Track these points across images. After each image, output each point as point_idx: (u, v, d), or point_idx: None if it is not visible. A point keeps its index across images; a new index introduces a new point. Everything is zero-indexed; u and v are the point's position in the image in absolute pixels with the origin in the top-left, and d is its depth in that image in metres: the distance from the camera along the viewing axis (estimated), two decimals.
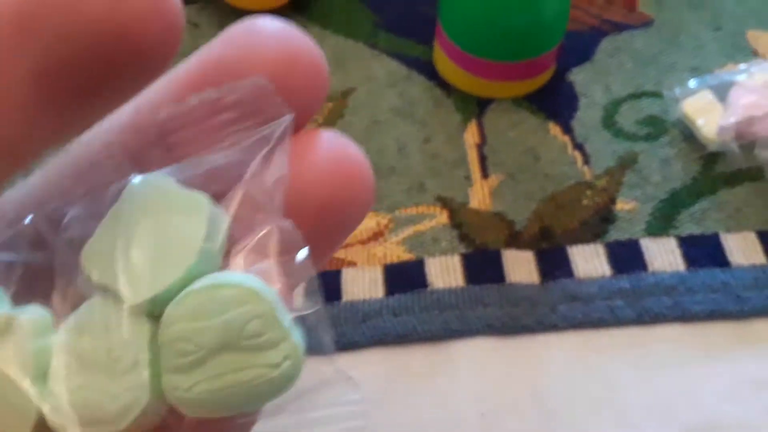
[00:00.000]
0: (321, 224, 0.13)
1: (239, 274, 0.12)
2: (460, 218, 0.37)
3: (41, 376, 0.12)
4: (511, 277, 0.35)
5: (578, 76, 0.43)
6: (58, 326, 0.12)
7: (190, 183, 0.13)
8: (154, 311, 0.12)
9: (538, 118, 0.41)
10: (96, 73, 0.11)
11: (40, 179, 0.13)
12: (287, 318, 0.12)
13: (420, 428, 0.31)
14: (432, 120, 0.41)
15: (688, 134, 0.39)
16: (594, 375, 0.32)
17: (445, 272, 0.35)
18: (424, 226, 0.37)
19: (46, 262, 0.13)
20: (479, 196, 0.38)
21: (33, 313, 0.12)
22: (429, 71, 0.43)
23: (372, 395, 0.32)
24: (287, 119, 0.13)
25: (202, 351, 0.12)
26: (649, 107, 0.41)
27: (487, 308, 0.34)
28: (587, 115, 0.41)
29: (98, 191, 0.13)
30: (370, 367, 0.32)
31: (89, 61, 0.11)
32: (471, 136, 0.40)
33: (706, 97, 0.39)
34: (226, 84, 0.13)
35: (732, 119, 0.37)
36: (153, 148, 0.13)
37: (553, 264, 0.35)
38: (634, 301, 0.33)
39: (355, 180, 0.13)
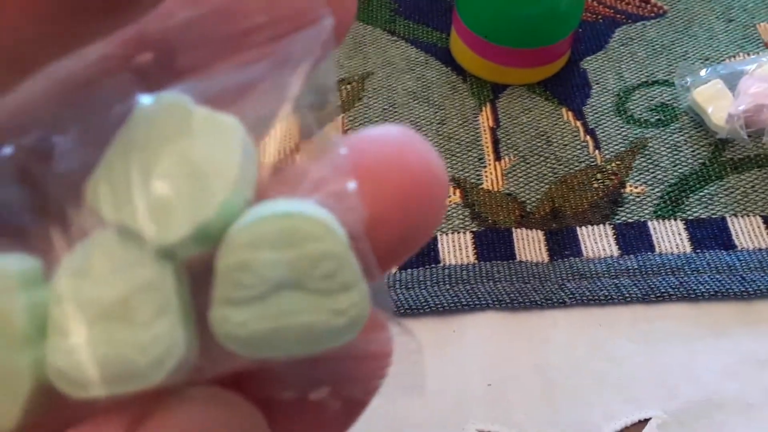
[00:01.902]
0: (390, 249, 0.11)
1: (314, 206, 0.10)
2: (472, 198, 0.38)
3: (35, 335, 0.10)
4: (521, 255, 0.36)
5: (591, 65, 0.43)
6: (48, 275, 0.10)
7: (210, 103, 0.11)
8: (178, 252, 0.10)
9: (551, 104, 0.42)
10: None
11: (18, 101, 0.10)
12: (357, 263, 0.10)
13: (428, 397, 0.32)
14: (447, 104, 0.42)
15: (698, 121, 0.40)
16: (599, 350, 0.33)
17: (456, 249, 0.36)
18: None
19: (29, 200, 0.11)
20: (492, 177, 0.39)
21: (17, 262, 0.10)
22: (445, 57, 0.44)
23: None
24: (327, 25, 0.11)
25: (264, 285, 0.10)
26: (660, 95, 0.42)
27: (497, 284, 0.35)
28: (599, 102, 0.41)
29: (95, 115, 0.11)
30: None
31: None
32: (485, 119, 0.41)
33: (717, 85, 0.40)
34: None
35: (741, 107, 0.38)
36: (163, 62, 0.11)
37: (563, 243, 0.36)
38: (641, 280, 0.34)
39: (434, 203, 0.11)
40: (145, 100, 0.11)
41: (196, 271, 0.11)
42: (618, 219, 0.37)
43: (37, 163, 0.11)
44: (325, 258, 0.10)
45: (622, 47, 0.44)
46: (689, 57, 0.43)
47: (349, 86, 0.43)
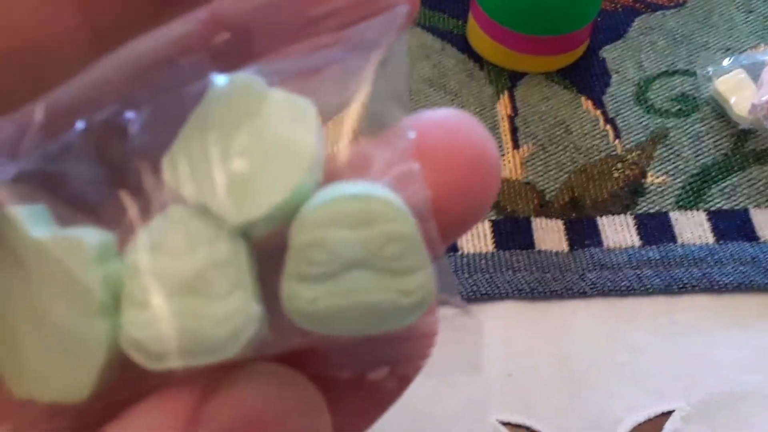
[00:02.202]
0: (450, 230, 0.11)
1: (383, 189, 0.11)
2: None
3: (110, 306, 0.10)
4: (540, 245, 0.35)
5: (611, 54, 0.43)
6: (122, 248, 0.11)
7: (282, 85, 0.11)
8: (251, 230, 0.11)
9: (570, 93, 0.41)
10: None
11: (93, 78, 0.11)
12: (424, 245, 0.11)
13: (447, 387, 0.31)
14: (464, 91, 0.41)
15: (720, 112, 0.39)
16: (619, 341, 0.32)
17: (475, 237, 0.35)
18: None
19: (103, 174, 0.11)
20: (510, 166, 0.38)
21: (94, 235, 0.10)
22: (462, 45, 0.44)
23: None
24: (401, 11, 0.11)
25: (336, 263, 0.10)
26: (681, 85, 0.41)
27: (517, 273, 0.34)
28: (619, 91, 0.41)
29: (170, 92, 0.11)
30: None
31: None
32: (503, 107, 0.41)
33: (739, 75, 0.39)
34: None
35: (764, 98, 0.37)
36: (238, 44, 0.11)
37: (583, 233, 0.35)
38: (663, 271, 0.34)
39: (490, 185, 0.12)
40: (220, 80, 0.11)
41: (263, 249, 0.11)
42: (639, 209, 0.36)
43: (111, 138, 0.11)
44: (395, 239, 0.10)
45: (641, 36, 0.44)
46: (710, 47, 0.43)
47: None
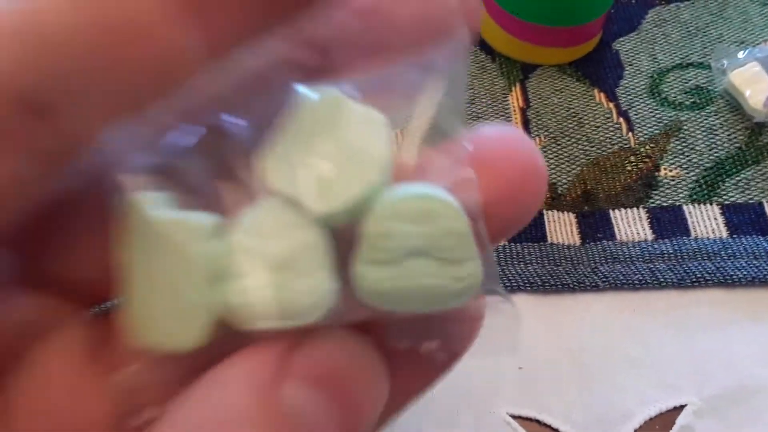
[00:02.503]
0: (500, 230, 0.13)
1: (443, 191, 0.13)
2: None
3: (214, 276, 0.12)
4: (552, 238, 0.35)
5: (624, 46, 0.42)
6: (226, 229, 0.13)
7: (360, 96, 0.13)
8: (329, 221, 0.12)
9: (582, 85, 0.41)
10: None
11: (205, 88, 0.13)
12: (473, 241, 0.12)
13: (457, 378, 0.31)
14: (476, 83, 0.41)
15: (734, 105, 0.39)
16: (632, 335, 0.32)
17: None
18: None
19: (210, 167, 0.13)
20: None
21: (203, 218, 0.13)
22: (473, 36, 0.44)
23: None
24: (464, 38, 0.13)
25: (400, 251, 0.12)
26: (695, 77, 0.41)
27: (528, 266, 0.34)
28: (632, 84, 0.41)
29: (263, 101, 0.13)
30: None
31: None
32: (515, 100, 0.40)
33: (754, 68, 0.39)
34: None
35: None
36: (320, 60, 0.13)
37: (595, 226, 0.35)
38: (676, 265, 0.33)
39: (537, 193, 0.14)
40: (307, 92, 0.13)
41: (338, 237, 0.13)
42: (652, 202, 0.36)
43: (219, 138, 0.13)
44: (451, 234, 0.12)
45: (655, 29, 0.43)
46: (724, 40, 0.42)
47: None
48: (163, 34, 0.11)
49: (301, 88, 0.13)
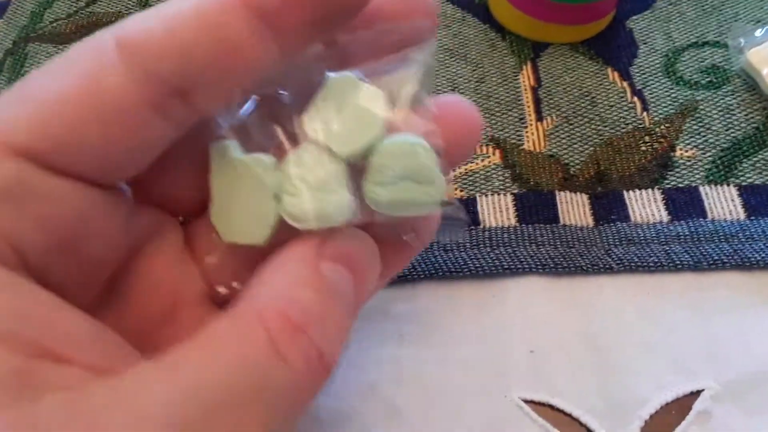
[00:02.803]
0: (453, 163, 0.21)
1: (420, 138, 0.20)
2: (513, 158, 0.36)
3: (276, 195, 0.19)
4: (564, 219, 0.34)
5: (638, 24, 0.41)
6: (281, 163, 0.20)
7: (366, 78, 0.20)
8: (348, 159, 0.19)
9: (595, 64, 0.40)
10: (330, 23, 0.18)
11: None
12: (439, 170, 0.20)
13: (468, 362, 0.30)
14: (486, 62, 0.40)
15: (752, 84, 0.38)
16: (648, 318, 0.31)
17: (497, 211, 0.34)
18: (476, 165, 0.36)
19: (268, 124, 0.20)
20: (533, 138, 0.37)
21: (267, 158, 0.20)
22: (483, 14, 0.42)
23: (421, 329, 0.31)
24: (433, 42, 0.20)
25: (394, 176, 0.19)
26: (711, 56, 0.40)
27: (540, 248, 0.33)
28: (647, 63, 0.39)
29: (304, 80, 0.20)
30: (419, 300, 0.32)
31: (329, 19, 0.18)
32: (526, 78, 0.39)
33: None
34: (393, 25, 0.20)
35: None
36: (342, 55, 0.20)
37: (609, 208, 0.34)
38: (693, 247, 0.32)
39: (476, 138, 0.22)
40: (333, 75, 0.20)
41: (353, 168, 0.20)
42: (667, 183, 0.35)
43: (274, 103, 0.20)
44: (425, 166, 0.19)
45: (670, 6, 0.42)
46: (740, 18, 0.41)
47: None
48: (251, 47, 0.17)
49: (330, 73, 0.20)
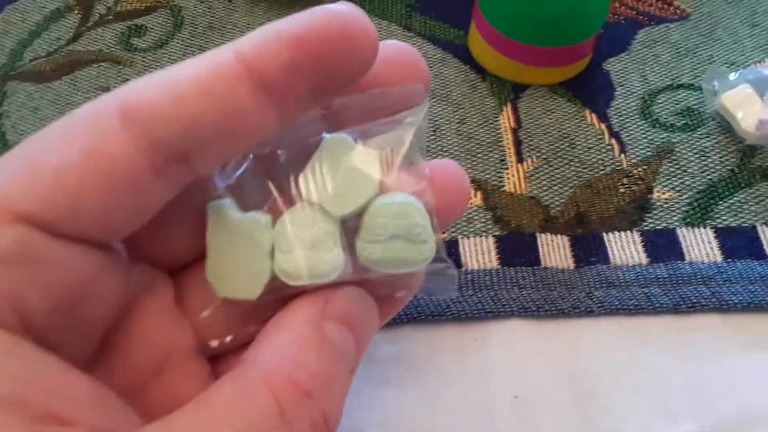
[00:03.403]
0: (444, 225, 0.22)
1: (412, 198, 0.20)
2: (494, 200, 0.36)
3: (270, 252, 0.20)
4: (546, 261, 0.34)
5: (614, 66, 0.42)
6: (274, 223, 0.20)
7: (360, 140, 0.21)
8: (343, 217, 0.20)
9: (574, 105, 0.40)
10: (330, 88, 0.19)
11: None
12: (431, 230, 0.21)
13: (450, 408, 0.30)
14: (467, 103, 0.41)
15: (726, 127, 0.39)
16: (631, 361, 0.31)
17: (479, 253, 0.34)
18: None
19: (261, 181, 0.21)
20: (514, 180, 0.37)
21: (263, 216, 0.21)
22: (464, 55, 0.43)
23: (406, 372, 0.31)
24: (425, 105, 0.21)
25: (385, 235, 0.20)
26: (686, 99, 0.40)
27: (523, 290, 0.33)
28: (624, 105, 0.40)
29: (300, 140, 0.21)
30: (402, 343, 0.32)
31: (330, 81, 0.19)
32: (506, 120, 0.40)
33: (745, 90, 0.39)
34: (387, 88, 0.21)
35: None
36: (335, 118, 0.21)
37: (589, 250, 0.35)
38: (671, 290, 0.33)
39: (463, 204, 0.23)
40: (328, 136, 0.21)
41: (347, 226, 0.21)
42: (646, 225, 0.35)
43: (270, 164, 0.21)
44: (417, 225, 0.20)
45: (645, 49, 0.43)
46: (714, 61, 0.42)
47: None
48: (253, 115, 0.18)
49: (326, 135, 0.21)
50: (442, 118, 0.40)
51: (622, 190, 0.37)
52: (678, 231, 0.35)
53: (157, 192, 0.18)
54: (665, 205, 0.36)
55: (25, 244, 0.16)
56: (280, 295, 0.20)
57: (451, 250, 0.35)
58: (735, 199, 0.36)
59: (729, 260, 0.34)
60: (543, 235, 0.35)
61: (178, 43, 0.44)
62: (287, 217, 0.20)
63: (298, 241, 0.20)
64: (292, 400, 0.17)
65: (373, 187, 0.20)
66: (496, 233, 0.35)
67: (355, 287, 0.21)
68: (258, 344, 0.19)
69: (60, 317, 0.18)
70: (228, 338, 0.22)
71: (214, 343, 0.22)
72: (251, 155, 0.21)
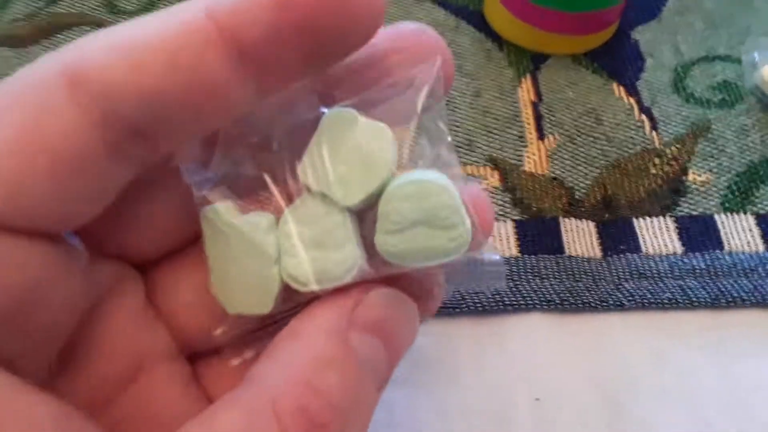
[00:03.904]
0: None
1: (437, 174, 0.17)
2: (513, 181, 0.33)
3: (277, 257, 0.17)
4: (570, 249, 0.31)
5: (644, 35, 0.39)
6: (277, 221, 0.18)
7: (364, 113, 0.17)
8: (353, 208, 0.17)
9: (599, 77, 0.37)
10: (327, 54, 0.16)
11: (252, 115, 0.18)
12: (463, 209, 0.16)
13: (466, 412, 0.27)
14: (482, 74, 0.37)
15: (767, 103, 0.35)
16: (663, 362, 0.28)
17: (497, 239, 0.31)
18: None
19: (256, 176, 0.18)
20: (535, 159, 0.34)
21: (266, 217, 0.17)
22: (478, 22, 0.40)
23: (412, 370, 0.28)
24: (438, 62, 0.17)
25: (407, 222, 0.16)
26: (722, 71, 0.37)
27: (545, 281, 0.30)
28: (655, 77, 0.37)
29: (295, 121, 0.18)
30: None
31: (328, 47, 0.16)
32: (525, 92, 0.36)
33: None
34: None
35: None
36: (334, 90, 0.18)
37: (618, 237, 0.31)
38: (709, 283, 0.30)
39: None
40: (329, 112, 0.17)
41: (365, 215, 0.17)
42: (680, 211, 0.32)
43: (263, 152, 0.18)
44: (443, 207, 0.16)
45: (677, 17, 0.39)
46: (753, 31, 0.39)
47: None
48: (228, 87, 0.15)
49: (324, 110, 0.17)
50: (455, 91, 0.36)
51: (653, 172, 0.33)
52: (716, 217, 0.32)
53: (114, 173, 0.15)
54: (701, 189, 0.33)
55: None
56: (297, 302, 0.18)
57: None
58: None
59: None
60: (567, 220, 0.32)
61: (167, 5, 0.41)
62: (288, 214, 0.17)
63: (304, 241, 0.17)
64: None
65: (386, 167, 0.16)
66: (516, 217, 0.32)
67: (388, 288, 0.17)
68: (268, 358, 0.16)
69: (10, 326, 0.15)
70: (248, 354, 0.19)
71: (237, 361, 0.19)
72: (242, 145, 0.18)
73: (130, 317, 0.18)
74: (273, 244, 0.17)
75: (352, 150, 0.17)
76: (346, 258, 0.17)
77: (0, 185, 0.14)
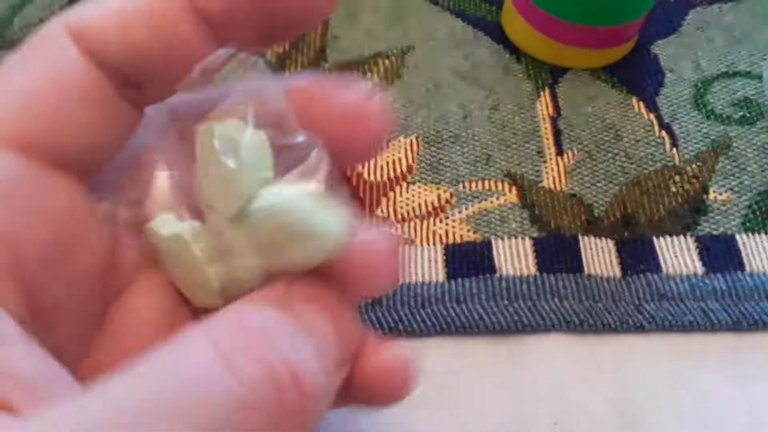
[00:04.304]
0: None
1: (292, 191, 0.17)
2: (531, 198, 0.33)
3: (210, 259, 0.18)
4: (589, 268, 0.31)
5: (664, 50, 0.38)
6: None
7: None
8: (238, 217, 0.17)
9: (619, 92, 0.36)
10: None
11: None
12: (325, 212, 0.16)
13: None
14: (500, 87, 0.37)
15: None
16: (684, 385, 0.28)
17: (514, 257, 0.31)
18: (491, 203, 0.32)
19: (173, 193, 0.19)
20: (553, 175, 0.33)
21: (183, 230, 0.18)
22: (497, 33, 0.39)
23: (432, 391, 0.28)
24: (316, 153, 0.17)
25: (263, 241, 0.17)
26: (743, 88, 0.37)
27: (564, 301, 0.29)
28: (675, 93, 0.36)
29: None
30: (429, 359, 0.28)
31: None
32: (544, 107, 0.36)
33: None
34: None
35: None
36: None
37: (637, 256, 0.31)
38: (731, 305, 0.29)
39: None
40: (202, 126, 0.18)
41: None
42: (701, 230, 0.32)
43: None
44: (295, 221, 0.16)
45: (697, 32, 0.39)
46: None
47: (387, 61, 0.38)
48: (196, 47, 0.17)
49: (199, 126, 0.18)
50: (472, 104, 0.36)
51: (673, 189, 0.33)
52: (737, 237, 0.31)
53: (123, 112, 0.18)
54: (722, 208, 0.32)
55: (11, 171, 0.16)
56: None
57: (484, 252, 0.31)
58: None
59: None
60: (586, 238, 0.31)
61: None
62: (195, 230, 0.18)
63: (204, 254, 0.17)
64: (239, 345, 0.14)
65: (241, 185, 0.16)
66: (534, 235, 0.31)
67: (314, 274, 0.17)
68: (225, 319, 0.16)
69: (54, 263, 0.16)
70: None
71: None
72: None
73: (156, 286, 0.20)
74: (200, 249, 0.17)
75: (211, 164, 0.17)
76: (247, 267, 0.17)
77: (38, 120, 0.16)
